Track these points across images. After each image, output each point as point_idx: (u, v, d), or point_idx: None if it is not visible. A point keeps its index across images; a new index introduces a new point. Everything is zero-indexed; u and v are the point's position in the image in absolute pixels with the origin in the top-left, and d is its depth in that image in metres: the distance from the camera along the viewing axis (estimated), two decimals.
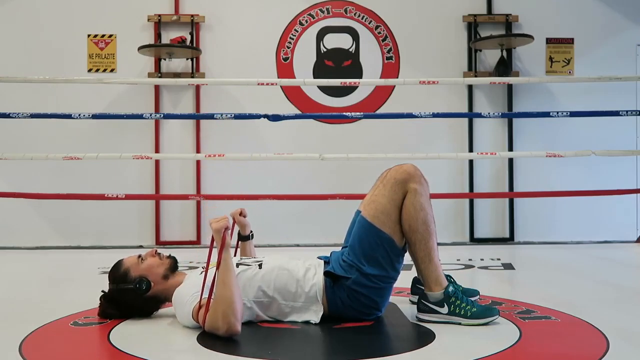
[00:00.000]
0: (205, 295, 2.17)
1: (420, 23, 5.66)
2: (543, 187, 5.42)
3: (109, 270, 2.44)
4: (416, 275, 2.69)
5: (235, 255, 2.72)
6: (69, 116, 4.77)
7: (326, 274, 2.32)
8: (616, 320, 2.39)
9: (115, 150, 5.02)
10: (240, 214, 2.69)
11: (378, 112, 5.59)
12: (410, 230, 2.31)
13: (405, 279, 2.68)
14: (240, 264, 2.37)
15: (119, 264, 2.41)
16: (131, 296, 2.35)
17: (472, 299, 2.45)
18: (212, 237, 2.21)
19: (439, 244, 2.38)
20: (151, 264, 2.38)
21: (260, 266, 2.34)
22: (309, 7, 5.65)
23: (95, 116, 4.88)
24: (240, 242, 2.77)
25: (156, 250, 2.45)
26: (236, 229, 2.74)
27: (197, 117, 5.40)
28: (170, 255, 2.45)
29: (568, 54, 5.65)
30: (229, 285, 2.12)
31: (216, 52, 5.57)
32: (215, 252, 2.21)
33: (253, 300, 2.28)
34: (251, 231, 2.75)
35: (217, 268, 2.14)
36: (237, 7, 5.62)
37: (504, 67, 5.38)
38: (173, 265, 2.42)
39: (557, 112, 4.90)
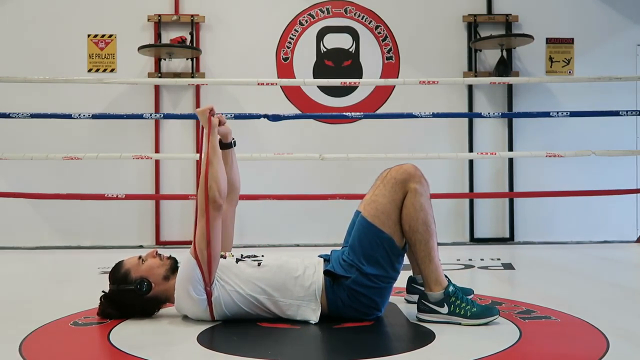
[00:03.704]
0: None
1: (420, 23, 5.66)
2: (543, 187, 5.42)
3: (109, 270, 2.44)
4: (412, 274, 2.71)
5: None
6: (69, 116, 4.78)
7: (326, 273, 2.32)
8: (616, 320, 2.39)
9: (115, 150, 5.03)
10: (220, 123, 2.51)
11: (378, 112, 5.59)
12: (411, 230, 2.31)
13: (405, 279, 2.68)
14: (240, 260, 2.38)
15: (119, 265, 2.41)
16: (132, 297, 2.35)
17: (468, 297, 2.46)
18: (201, 129, 2.41)
19: (439, 244, 2.39)
20: (152, 265, 2.38)
21: (259, 264, 2.35)
22: (309, 7, 5.65)
23: (95, 116, 4.89)
24: (222, 150, 2.54)
25: (157, 251, 2.44)
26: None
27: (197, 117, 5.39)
28: (170, 256, 2.45)
29: (568, 54, 5.65)
30: (214, 163, 2.34)
31: (216, 52, 5.57)
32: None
33: (252, 296, 2.29)
34: (233, 138, 2.64)
35: (205, 148, 2.35)
36: (237, 7, 5.62)
37: (504, 67, 5.38)
38: (173, 266, 2.42)
39: (557, 112, 4.90)
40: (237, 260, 2.37)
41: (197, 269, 2.24)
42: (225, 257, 2.39)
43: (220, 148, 2.53)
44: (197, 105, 5.51)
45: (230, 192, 2.54)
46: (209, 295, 2.27)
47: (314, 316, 2.30)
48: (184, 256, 2.33)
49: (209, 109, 2.47)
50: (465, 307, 2.28)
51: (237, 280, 2.30)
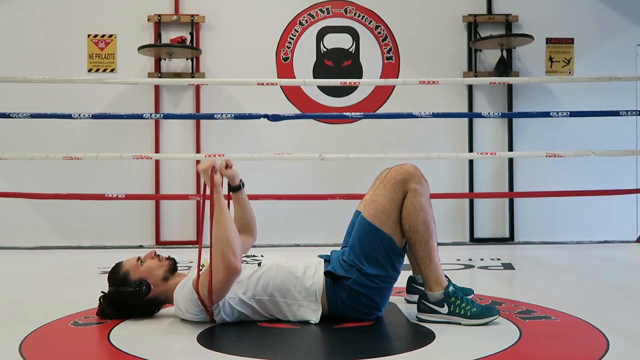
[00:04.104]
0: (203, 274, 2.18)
1: (420, 23, 5.66)
2: (543, 187, 5.42)
3: (109, 270, 2.44)
4: (412, 274, 2.71)
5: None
6: (69, 116, 4.77)
7: (326, 273, 2.32)
8: (616, 320, 2.39)
9: (115, 150, 5.02)
10: (226, 166, 2.45)
11: (378, 112, 5.59)
12: (411, 230, 2.31)
13: (405, 279, 2.68)
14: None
15: (118, 267, 2.40)
16: (131, 298, 2.35)
17: (468, 297, 2.46)
18: (204, 184, 2.22)
19: (439, 244, 2.38)
20: (151, 266, 2.38)
21: (259, 264, 2.34)
22: (309, 7, 5.65)
23: (95, 116, 4.88)
24: (231, 194, 2.58)
25: (155, 252, 2.44)
26: (225, 182, 2.54)
27: (197, 117, 5.41)
28: (169, 256, 2.45)
29: (568, 54, 5.65)
30: (223, 224, 2.15)
31: (216, 52, 5.57)
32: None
33: (252, 298, 2.28)
34: (241, 180, 2.58)
35: (210, 209, 2.14)
36: (237, 7, 5.62)
37: (504, 67, 5.38)
38: (172, 266, 2.41)
39: (557, 112, 4.90)
40: None
41: (197, 300, 2.24)
42: None
43: (230, 191, 2.57)
44: (197, 105, 5.52)
45: (249, 230, 2.61)
46: (208, 312, 2.27)
47: (314, 317, 2.29)
48: (186, 279, 2.31)
49: (211, 167, 2.23)
50: (465, 307, 2.28)
51: (238, 285, 2.28)
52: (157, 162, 5.50)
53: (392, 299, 2.55)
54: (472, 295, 2.70)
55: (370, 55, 5.66)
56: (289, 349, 2.06)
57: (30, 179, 5.37)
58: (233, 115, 4.80)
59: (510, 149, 5.55)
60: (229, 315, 2.29)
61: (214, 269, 2.16)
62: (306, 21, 5.65)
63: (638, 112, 5.09)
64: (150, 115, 5.08)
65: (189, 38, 5.44)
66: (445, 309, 2.30)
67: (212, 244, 2.17)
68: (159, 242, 5.47)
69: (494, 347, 2.00)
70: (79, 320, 2.42)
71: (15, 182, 5.39)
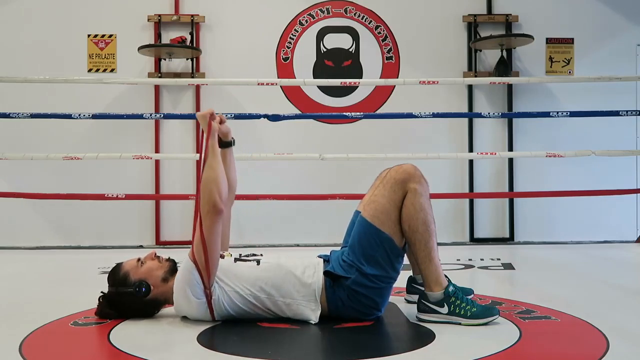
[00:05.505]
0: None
1: (420, 23, 5.66)
2: (543, 187, 5.42)
3: (109, 270, 2.44)
4: (412, 274, 2.71)
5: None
6: (69, 116, 4.78)
7: (326, 273, 2.32)
8: (616, 320, 2.39)
9: (115, 150, 5.02)
10: (220, 121, 2.51)
11: (378, 112, 5.59)
12: (410, 230, 2.31)
13: (405, 279, 2.68)
14: (239, 260, 2.38)
15: (118, 268, 2.40)
16: (131, 299, 2.35)
17: (468, 297, 2.46)
18: (201, 132, 2.40)
19: (439, 244, 2.39)
20: (150, 267, 2.38)
21: (258, 262, 2.35)
22: (309, 7, 5.65)
23: (95, 116, 4.89)
24: (221, 149, 2.53)
25: (155, 253, 2.44)
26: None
27: None
28: (169, 258, 2.45)
29: (568, 54, 5.65)
30: (214, 167, 2.31)
31: (216, 52, 5.56)
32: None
33: (250, 295, 2.29)
34: (233, 137, 2.65)
35: (205, 152, 2.33)
36: (237, 7, 5.62)
37: (504, 67, 5.38)
38: (172, 267, 2.41)
39: (557, 112, 4.90)
40: (236, 260, 2.38)
41: (196, 272, 2.24)
42: (223, 257, 2.39)
43: (220, 147, 2.51)
44: (197, 105, 5.51)
45: (229, 190, 2.54)
46: (208, 297, 2.27)
47: (313, 316, 2.30)
48: (183, 260, 2.33)
49: (209, 113, 2.44)
50: (465, 307, 2.28)
51: (237, 280, 2.30)
52: (157, 162, 5.50)
53: (392, 299, 2.55)
54: (472, 295, 2.70)
55: (370, 55, 5.66)
56: (289, 349, 2.06)
57: (30, 179, 5.37)
58: (233, 115, 4.80)
59: (510, 149, 5.55)
60: (228, 308, 2.29)
61: (202, 204, 2.26)
62: (306, 21, 5.65)
63: (638, 112, 5.09)
64: (150, 115, 5.08)
65: (189, 38, 5.44)
66: (445, 309, 2.30)
67: (199, 189, 2.30)
68: (159, 242, 5.47)
69: (494, 347, 2.00)
70: (79, 320, 2.42)
71: (15, 182, 5.39)
